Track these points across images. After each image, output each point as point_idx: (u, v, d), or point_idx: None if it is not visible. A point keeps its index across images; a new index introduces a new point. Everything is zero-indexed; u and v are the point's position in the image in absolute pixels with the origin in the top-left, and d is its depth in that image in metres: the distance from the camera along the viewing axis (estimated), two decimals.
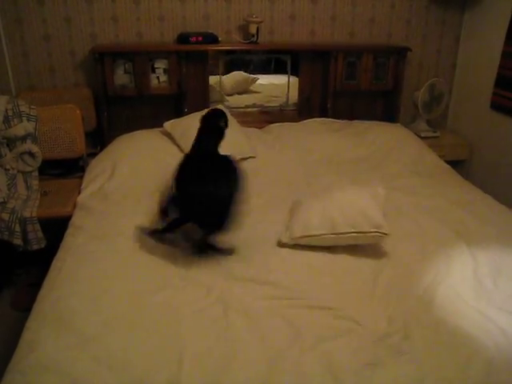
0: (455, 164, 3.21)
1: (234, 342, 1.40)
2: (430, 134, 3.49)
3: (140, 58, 3.00)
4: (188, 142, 2.67)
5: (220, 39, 3.12)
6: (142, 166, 2.59)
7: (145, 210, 2.18)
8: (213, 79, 3.26)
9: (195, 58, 3.14)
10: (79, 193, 2.45)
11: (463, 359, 1.36)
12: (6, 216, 2.31)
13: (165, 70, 3.07)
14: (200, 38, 3.03)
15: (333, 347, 1.38)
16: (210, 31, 3.12)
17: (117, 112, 3.18)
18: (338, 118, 3.31)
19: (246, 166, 2.63)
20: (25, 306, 2.20)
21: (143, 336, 1.42)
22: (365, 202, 1.92)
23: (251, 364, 1.32)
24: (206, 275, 1.72)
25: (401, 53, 3.34)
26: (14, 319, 2.35)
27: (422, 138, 3.31)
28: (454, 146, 3.54)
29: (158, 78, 3.09)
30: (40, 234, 2.39)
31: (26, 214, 2.36)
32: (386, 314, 1.54)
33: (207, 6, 3.15)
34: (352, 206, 1.90)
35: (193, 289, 1.65)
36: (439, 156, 3.00)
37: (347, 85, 3.34)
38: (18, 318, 2.30)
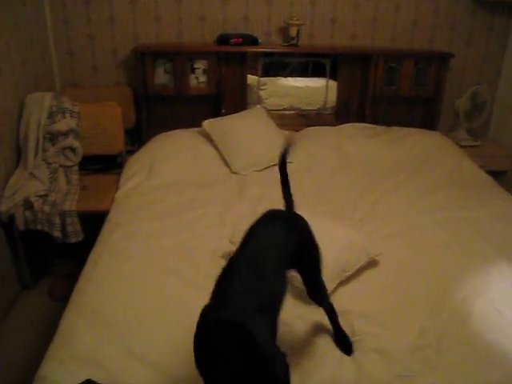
0: (495, 175, 3.11)
1: None
2: (470, 143, 3.40)
3: (180, 58, 3.05)
4: (227, 144, 2.73)
5: (260, 41, 3.13)
6: (179, 166, 2.63)
7: (180, 210, 2.21)
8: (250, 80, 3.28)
9: (234, 59, 3.15)
10: (117, 189, 2.51)
11: (499, 378, 1.32)
12: (47, 208, 2.39)
13: (204, 71, 3.11)
14: (240, 40, 3.04)
15: (365, 357, 1.37)
16: (250, 33, 3.13)
17: (156, 111, 3.23)
18: (376, 124, 3.27)
19: None
20: (61, 296, 2.28)
21: (176, 333, 1.44)
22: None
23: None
24: None
25: (443, 59, 3.27)
26: (50, 308, 2.42)
27: (461, 146, 3.23)
28: (495, 156, 3.44)
29: (197, 78, 3.13)
30: (78, 228, 2.45)
31: (66, 208, 2.43)
32: (419, 326, 1.51)
33: (248, 7, 3.16)
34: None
35: None
36: (479, 166, 2.92)
37: (386, 90, 3.29)
38: (54, 307, 2.38)
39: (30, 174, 2.48)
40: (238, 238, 1.76)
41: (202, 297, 1.60)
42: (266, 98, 3.35)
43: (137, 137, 3.20)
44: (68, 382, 1.24)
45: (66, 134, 2.67)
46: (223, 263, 1.77)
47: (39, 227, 2.39)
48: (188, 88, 3.11)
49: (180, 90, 3.11)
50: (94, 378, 1.21)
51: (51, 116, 2.62)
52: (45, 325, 2.28)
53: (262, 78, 3.30)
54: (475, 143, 3.42)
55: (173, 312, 1.54)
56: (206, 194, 2.39)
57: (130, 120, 3.13)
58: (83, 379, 1.21)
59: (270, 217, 1.34)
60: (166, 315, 1.52)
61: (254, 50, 3.13)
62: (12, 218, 2.34)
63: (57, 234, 2.42)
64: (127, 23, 3.10)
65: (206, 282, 1.68)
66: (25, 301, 2.51)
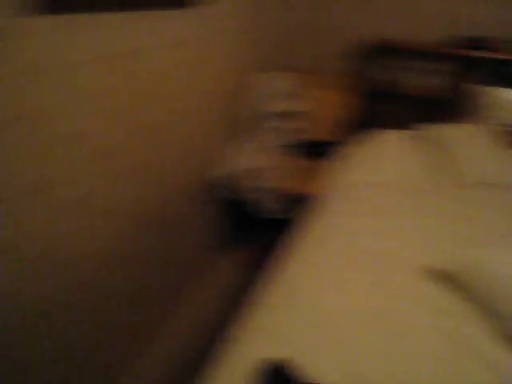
0: None
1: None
2: None
3: (412, 57, 2.90)
4: (448, 153, 2.49)
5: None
6: (398, 168, 2.48)
7: (390, 213, 2.08)
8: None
9: (476, 64, 2.84)
10: (326, 176, 2.48)
11: None
12: (255, 182, 2.53)
13: (437, 72, 2.89)
14: (487, 44, 2.72)
15: None
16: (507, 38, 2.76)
17: (379, 106, 3.13)
18: None
19: None
20: (254, 264, 2.41)
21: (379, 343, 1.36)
22: None
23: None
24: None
25: None
26: (242, 274, 2.59)
27: None
28: None
29: (427, 79, 2.93)
30: (281, 205, 2.54)
31: (273, 184, 2.53)
32: None
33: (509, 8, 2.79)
34: None
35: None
36: None
37: None
38: (246, 274, 2.53)
39: (246, 148, 2.65)
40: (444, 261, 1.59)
41: (403, 311, 1.48)
42: (494, 111, 2.94)
43: (356, 129, 3.15)
44: (253, 352, 1.28)
45: (287, 115, 2.76)
46: (426, 283, 1.61)
47: (244, 198, 2.55)
48: (414, 88, 2.95)
49: (405, 90, 2.97)
50: (282, 358, 1.21)
51: (274, 96, 2.74)
52: (234, 289, 2.44)
53: (491, 88, 2.89)
54: None
55: (371, 322, 1.46)
56: (420, 201, 2.21)
57: (351, 111, 3.09)
58: (271, 356, 1.21)
59: None
60: (362, 323, 1.44)
61: (494, 56, 2.74)
62: (221, 187, 2.53)
63: (260, 207, 2.54)
64: (363, 16, 3.04)
65: (404, 298, 1.55)
66: (220, 265, 2.73)
